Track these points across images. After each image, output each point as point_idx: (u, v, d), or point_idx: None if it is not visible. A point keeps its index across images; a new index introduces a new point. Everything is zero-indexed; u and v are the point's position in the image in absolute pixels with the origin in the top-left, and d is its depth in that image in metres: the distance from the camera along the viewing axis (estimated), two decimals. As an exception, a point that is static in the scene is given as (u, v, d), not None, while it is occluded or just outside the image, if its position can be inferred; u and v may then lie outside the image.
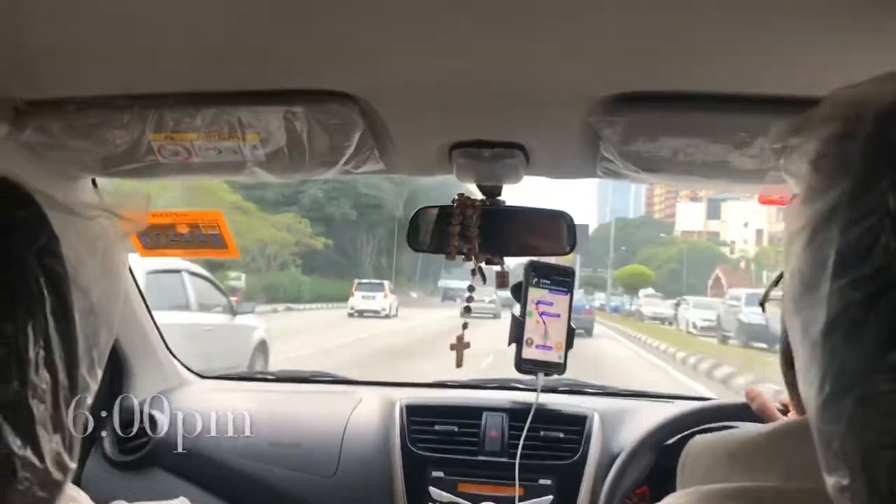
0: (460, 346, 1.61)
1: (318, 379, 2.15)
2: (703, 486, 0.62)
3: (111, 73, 1.03)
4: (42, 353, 0.59)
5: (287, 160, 1.15)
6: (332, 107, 1.05)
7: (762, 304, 0.69)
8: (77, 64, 0.99)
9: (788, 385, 0.65)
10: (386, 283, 27.82)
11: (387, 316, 25.20)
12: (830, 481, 0.47)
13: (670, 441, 1.36)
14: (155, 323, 1.90)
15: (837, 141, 0.48)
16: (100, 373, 0.74)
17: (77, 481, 1.73)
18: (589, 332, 22.12)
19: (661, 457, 1.36)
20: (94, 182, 1.49)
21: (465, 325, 1.61)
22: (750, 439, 0.64)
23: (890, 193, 0.43)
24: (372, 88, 1.03)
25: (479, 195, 1.38)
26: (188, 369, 2.04)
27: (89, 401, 0.70)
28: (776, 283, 0.65)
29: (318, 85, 1.03)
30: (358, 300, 25.80)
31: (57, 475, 0.62)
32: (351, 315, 24.80)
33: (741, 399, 1.24)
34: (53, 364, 0.61)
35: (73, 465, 0.67)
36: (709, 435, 0.72)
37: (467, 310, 1.59)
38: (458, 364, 1.62)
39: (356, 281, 27.43)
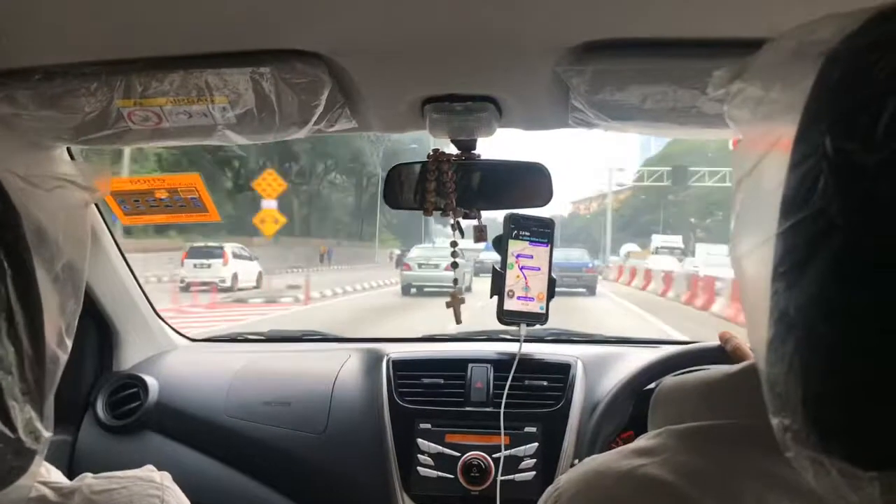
0: (455, 301, 1.63)
1: (307, 338, 2.17)
2: (673, 425, 0.64)
3: (76, 41, 1.03)
4: (4, 324, 0.60)
5: (257, 121, 1.15)
6: (298, 66, 1.04)
7: None
8: (41, 32, 0.99)
9: None
10: (227, 246, 21.11)
11: (229, 288, 19.74)
12: (775, 421, 0.48)
13: (650, 386, 1.38)
14: (142, 289, 1.91)
15: (777, 84, 0.49)
16: (69, 342, 0.74)
17: (72, 447, 1.78)
18: (591, 291, 21.72)
19: (641, 402, 1.38)
20: (69, 151, 1.49)
21: (455, 281, 1.63)
22: (718, 379, 0.66)
23: (827, 136, 0.44)
24: (338, 46, 1.02)
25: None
26: (178, 332, 2.06)
27: (60, 370, 0.71)
28: None
29: (284, 44, 1.03)
30: (188, 269, 20.33)
31: (30, 443, 0.63)
32: (183, 289, 19.05)
33: (716, 343, 1.26)
34: (18, 335, 0.61)
35: (48, 434, 0.68)
36: (679, 376, 0.73)
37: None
38: (458, 320, 1.64)
39: (189, 245, 21.99)
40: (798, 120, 0.47)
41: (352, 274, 27.06)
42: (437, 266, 18.51)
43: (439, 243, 24.30)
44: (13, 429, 0.60)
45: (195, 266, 20.37)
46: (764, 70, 0.50)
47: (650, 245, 39.25)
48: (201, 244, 21.73)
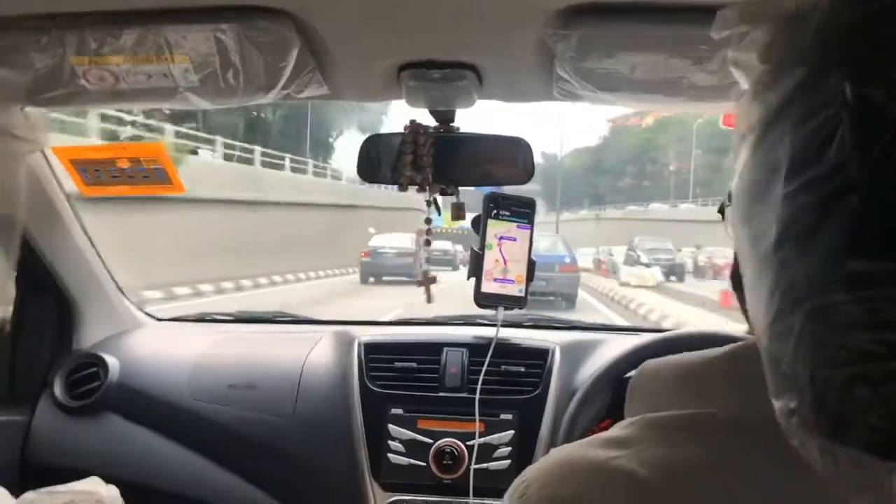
0: (427, 281, 1.57)
1: (278, 319, 2.10)
2: (649, 414, 0.58)
3: None
4: None
5: (221, 84, 1.08)
6: (263, 23, 0.98)
7: (720, 212, 0.63)
8: None
9: (741, 306, 0.60)
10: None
11: None
12: (778, 405, 0.43)
13: (630, 374, 1.33)
14: (104, 263, 1.82)
15: (789, 25, 0.43)
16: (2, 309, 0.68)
17: (27, 427, 1.70)
18: (570, 301, 14.44)
19: (621, 390, 1.33)
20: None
21: (427, 260, 1.57)
22: (703, 362, 0.60)
23: (846, 81, 0.38)
24: (306, 2, 0.95)
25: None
26: (142, 311, 1.98)
27: None
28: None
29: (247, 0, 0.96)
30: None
31: None
32: None
33: (704, 329, 1.21)
34: None
35: None
36: (660, 359, 0.67)
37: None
38: (429, 300, 1.58)
39: None
40: (808, 64, 0.41)
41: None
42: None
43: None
44: None
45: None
46: (772, 8, 0.44)
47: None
48: None
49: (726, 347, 0.59)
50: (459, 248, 22.80)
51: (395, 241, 18.15)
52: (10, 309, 0.68)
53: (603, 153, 59.90)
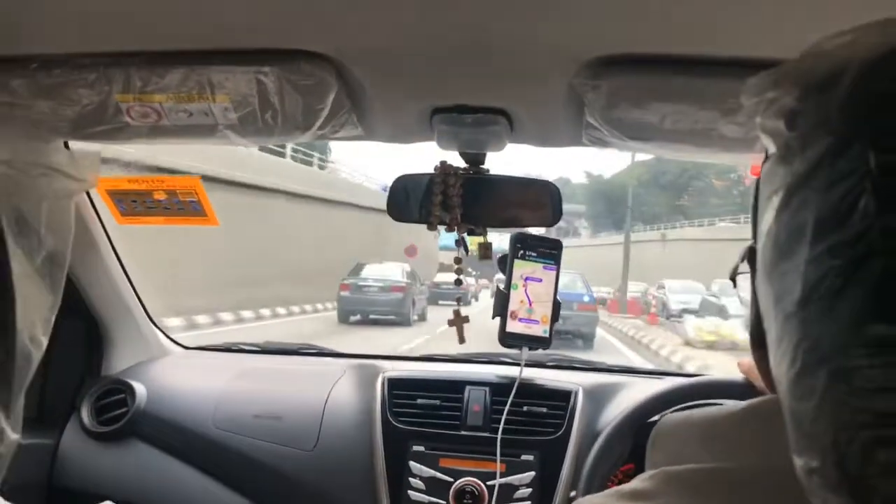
0: (458, 321, 1.58)
1: (303, 351, 2.12)
2: (670, 467, 0.59)
3: (75, 31, 1.00)
4: None
5: (260, 123, 1.11)
6: (304, 67, 1.01)
7: (732, 279, 0.64)
8: (39, 20, 0.96)
9: (758, 365, 0.61)
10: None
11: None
12: (799, 462, 0.43)
13: (654, 418, 1.33)
14: (135, 290, 1.86)
15: (816, 93, 0.44)
16: (44, 341, 0.70)
17: (54, 451, 1.72)
18: (588, 341, 14.17)
19: (644, 435, 1.32)
20: (66, 146, 1.45)
21: (458, 299, 1.58)
22: (724, 416, 0.61)
23: (870, 151, 0.39)
24: (346, 48, 0.99)
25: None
26: (170, 339, 2.01)
27: (33, 368, 0.67)
28: (746, 256, 0.61)
29: (290, 44, 0.99)
30: None
31: None
32: None
33: (730, 376, 1.21)
34: None
35: (15, 436, 0.63)
36: (680, 413, 0.68)
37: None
38: (461, 340, 1.60)
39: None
40: (834, 132, 0.42)
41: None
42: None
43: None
44: None
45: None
46: (800, 77, 0.46)
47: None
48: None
49: (745, 403, 0.59)
50: (471, 280, 22.46)
51: (384, 271, 16.45)
52: (45, 344, 0.70)
53: (663, 165, 55.38)
